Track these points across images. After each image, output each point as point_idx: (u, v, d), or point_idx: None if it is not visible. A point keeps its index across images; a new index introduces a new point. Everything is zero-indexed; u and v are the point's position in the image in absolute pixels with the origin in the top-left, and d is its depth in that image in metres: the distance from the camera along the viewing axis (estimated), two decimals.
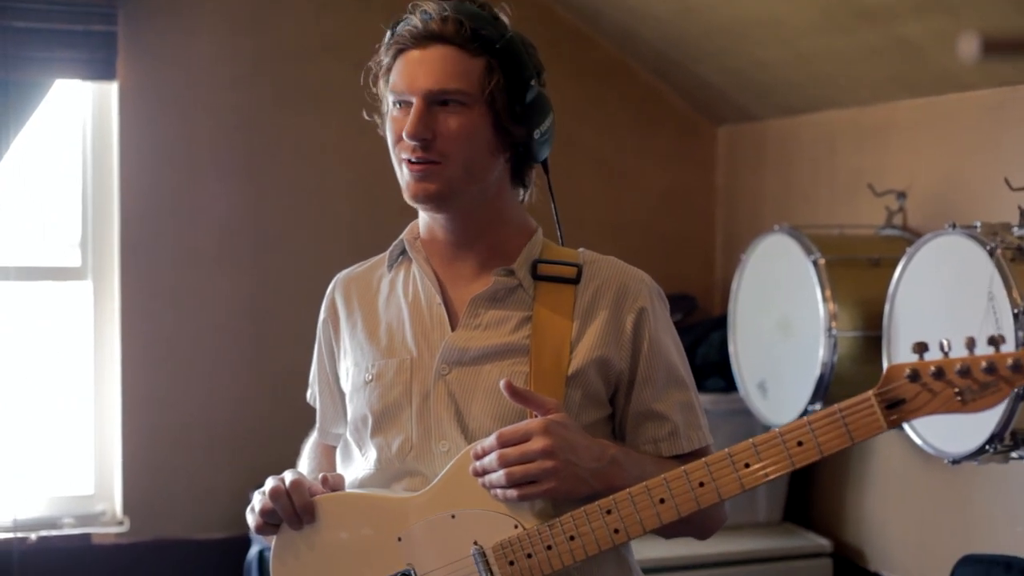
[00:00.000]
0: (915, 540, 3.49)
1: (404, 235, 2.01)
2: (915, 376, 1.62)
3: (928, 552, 3.43)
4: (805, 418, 1.69)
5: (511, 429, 1.78)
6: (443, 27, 1.85)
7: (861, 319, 3.25)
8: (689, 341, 4.05)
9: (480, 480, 1.80)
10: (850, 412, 1.66)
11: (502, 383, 1.79)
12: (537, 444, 1.75)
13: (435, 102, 1.85)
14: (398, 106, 1.89)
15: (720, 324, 3.90)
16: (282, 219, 4.09)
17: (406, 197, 1.90)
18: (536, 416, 1.80)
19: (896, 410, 1.64)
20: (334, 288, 2.07)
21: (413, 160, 1.86)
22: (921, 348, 1.62)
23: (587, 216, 4.31)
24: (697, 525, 1.91)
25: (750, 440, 1.71)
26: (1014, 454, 2.81)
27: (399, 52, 1.88)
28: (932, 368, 1.60)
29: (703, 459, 1.75)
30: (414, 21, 1.87)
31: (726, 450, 1.73)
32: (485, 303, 1.92)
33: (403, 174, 1.89)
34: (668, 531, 1.84)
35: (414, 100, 1.85)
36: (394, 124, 1.89)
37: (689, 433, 1.92)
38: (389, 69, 1.90)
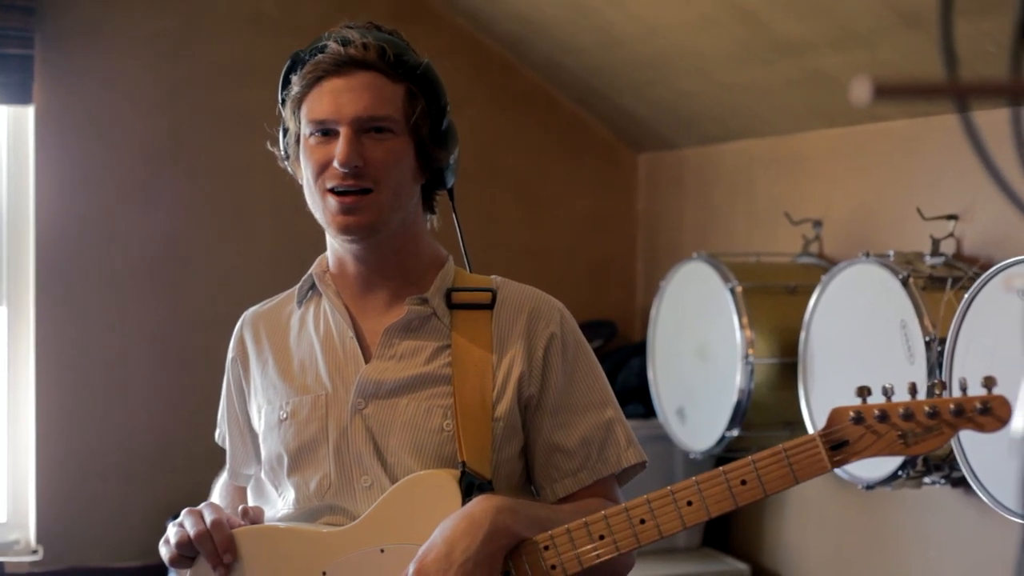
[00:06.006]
0: (831, 564, 3.53)
1: (313, 269, 1.97)
2: (859, 418, 1.66)
3: None
4: (749, 457, 1.71)
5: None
6: (365, 53, 1.82)
7: (777, 346, 3.29)
8: (609, 367, 4.07)
9: None
10: (795, 452, 1.68)
11: None
12: None
13: (362, 129, 1.82)
14: (317, 135, 1.84)
15: (640, 350, 3.92)
16: (201, 244, 4.05)
17: (331, 229, 1.86)
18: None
19: (840, 451, 1.68)
20: (242, 326, 2.02)
21: (341, 190, 1.82)
22: (864, 392, 1.66)
23: (509, 241, 4.32)
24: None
25: (693, 478, 1.73)
26: (927, 479, 2.85)
27: (317, 79, 1.83)
28: (876, 411, 1.65)
29: (645, 496, 1.73)
30: (333, 47, 1.82)
31: (668, 488, 1.73)
32: (399, 333, 1.89)
33: (327, 205, 1.84)
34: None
35: (340, 128, 1.81)
36: (314, 153, 1.84)
37: (606, 455, 1.88)
38: (302, 97, 1.85)
